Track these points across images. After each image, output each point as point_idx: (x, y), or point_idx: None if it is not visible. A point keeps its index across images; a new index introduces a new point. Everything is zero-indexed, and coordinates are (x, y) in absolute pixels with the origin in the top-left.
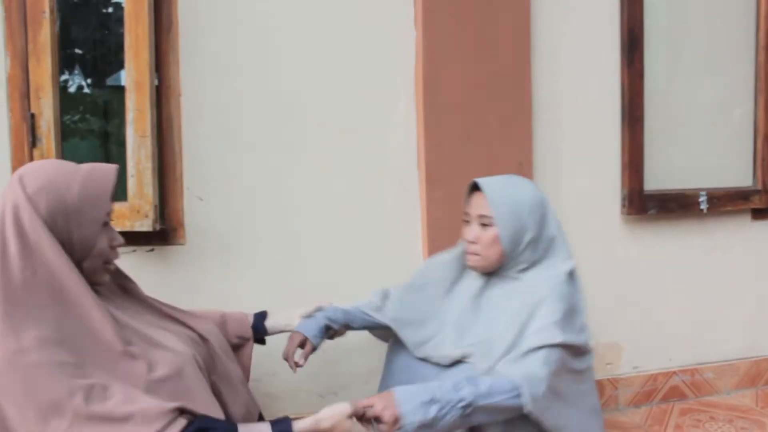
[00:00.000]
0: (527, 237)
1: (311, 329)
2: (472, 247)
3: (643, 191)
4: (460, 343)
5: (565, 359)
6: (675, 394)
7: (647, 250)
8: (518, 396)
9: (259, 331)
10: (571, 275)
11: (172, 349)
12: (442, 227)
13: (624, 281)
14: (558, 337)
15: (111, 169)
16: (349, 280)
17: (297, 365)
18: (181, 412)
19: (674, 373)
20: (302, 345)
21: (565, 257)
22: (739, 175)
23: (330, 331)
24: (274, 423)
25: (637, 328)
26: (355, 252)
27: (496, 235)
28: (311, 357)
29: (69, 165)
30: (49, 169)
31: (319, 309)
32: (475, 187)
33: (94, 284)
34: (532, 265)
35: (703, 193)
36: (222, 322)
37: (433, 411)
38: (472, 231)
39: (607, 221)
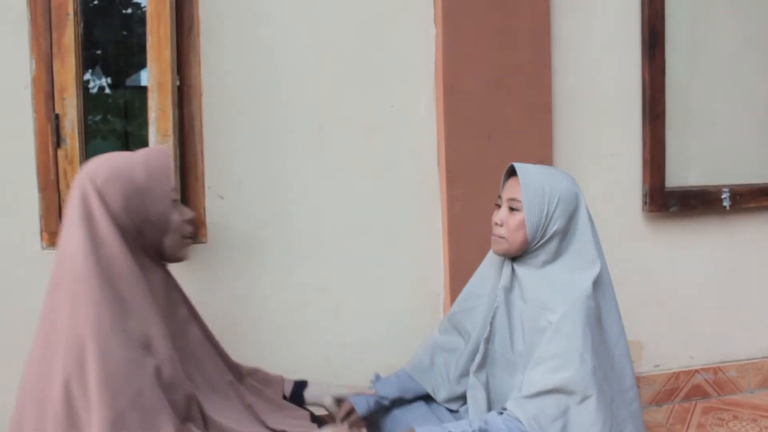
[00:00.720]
0: (553, 227)
1: (360, 404)
2: (498, 230)
3: (664, 188)
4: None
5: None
6: (697, 392)
7: (669, 247)
8: None
9: (297, 399)
10: (596, 284)
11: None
12: (463, 224)
13: (645, 279)
14: (566, 380)
15: (164, 148)
16: (369, 278)
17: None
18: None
19: (696, 371)
20: (350, 413)
21: (593, 259)
22: (762, 171)
23: (380, 407)
24: None
25: (659, 326)
26: (375, 250)
27: (522, 220)
28: (336, 366)
29: (126, 152)
30: (109, 159)
31: (353, 395)
32: (512, 173)
33: (176, 260)
34: (556, 258)
35: (726, 189)
36: (262, 383)
37: None
38: (500, 214)
39: (628, 218)
